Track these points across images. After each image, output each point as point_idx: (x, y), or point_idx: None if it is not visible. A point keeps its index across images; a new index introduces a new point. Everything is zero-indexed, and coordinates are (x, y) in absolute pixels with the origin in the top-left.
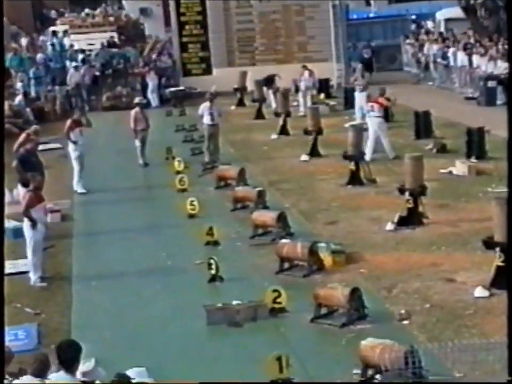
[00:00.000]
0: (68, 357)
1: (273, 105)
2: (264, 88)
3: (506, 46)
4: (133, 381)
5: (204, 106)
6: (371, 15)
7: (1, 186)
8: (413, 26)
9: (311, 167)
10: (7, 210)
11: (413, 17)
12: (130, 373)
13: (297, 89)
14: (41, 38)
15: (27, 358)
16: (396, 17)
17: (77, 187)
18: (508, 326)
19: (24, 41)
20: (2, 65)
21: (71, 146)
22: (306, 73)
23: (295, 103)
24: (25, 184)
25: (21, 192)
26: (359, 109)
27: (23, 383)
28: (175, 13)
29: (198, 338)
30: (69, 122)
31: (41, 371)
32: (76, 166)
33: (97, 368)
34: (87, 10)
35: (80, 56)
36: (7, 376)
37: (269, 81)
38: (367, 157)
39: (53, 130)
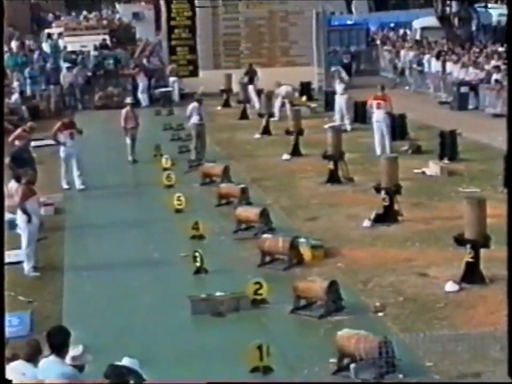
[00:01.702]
0: (58, 341)
1: (257, 106)
2: (250, 87)
3: (477, 54)
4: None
5: (193, 107)
6: (349, 22)
7: (1, 186)
8: (392, 34)
9: (292, 165)
10: None
11: (392, 25)
12: (123, 362)
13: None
14: (27, 42)
15: (20, 344)
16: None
17: (63, 183)
18: (508, 325)
19: (14, 43)
20: (2, 65)
21: (61, 148)
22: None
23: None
24: (18, 179)
25: (14, 186)
26: (339, 111)
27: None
28: (165, 17)
29: (183, 328)
30: (58, 124)
31: (32, 356)
32: (62, 166)
33: (85, 354)
34: (84, 13)
35: (79, 58)
36: None
37: (249, 76)
38: (377, 152)
39: (47, 127)
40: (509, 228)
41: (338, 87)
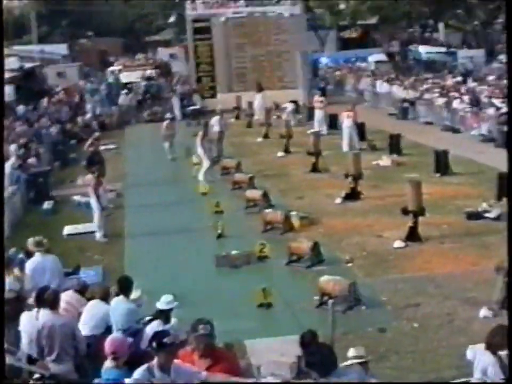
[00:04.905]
0: (125, 286)
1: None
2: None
3: (413, 80)
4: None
5: (215, 119)
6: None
7: (1, 185)
8: (354, 65)
9: (285, 160)
10: (81, 190)
11: (353, 59)
12: (162, 298)
13: (277, 107)
14: (92, 79)
15: (96, 289)
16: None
17: (202, 178)
18: (508, 326)
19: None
20: (2, 67)
21: (199, 151)
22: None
23: (274, 117)
24: (92, 173)
25: (89, 179)
26: (317, 121)
27: None
28: (193, 56)
29: (210, 276)
30: (199, 137)
31: (105, 297)
32: (206, 162)
33: (142, 296)
34: (137, 56)
35: (132, 87)
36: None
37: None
38: (344, 149)
39: (111, 136)
40: (509, 229)
41: (317, 105)
